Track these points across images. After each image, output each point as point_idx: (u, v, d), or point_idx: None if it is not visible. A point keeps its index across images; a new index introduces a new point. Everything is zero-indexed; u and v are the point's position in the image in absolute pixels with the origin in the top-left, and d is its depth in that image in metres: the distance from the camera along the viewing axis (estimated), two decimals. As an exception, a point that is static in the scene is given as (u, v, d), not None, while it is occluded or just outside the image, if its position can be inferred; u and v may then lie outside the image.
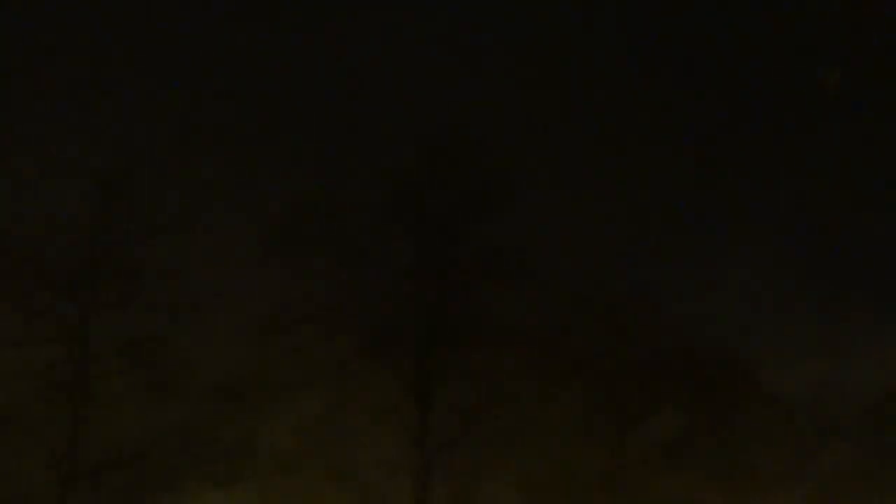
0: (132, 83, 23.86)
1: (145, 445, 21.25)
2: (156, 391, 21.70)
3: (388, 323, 22.32)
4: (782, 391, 25.58)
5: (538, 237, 22.94)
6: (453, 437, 21.93)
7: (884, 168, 26.23)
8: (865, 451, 26.45)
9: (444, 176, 22.68)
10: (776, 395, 25.52)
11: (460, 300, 22.09)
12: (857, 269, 25.94)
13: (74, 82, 24.34)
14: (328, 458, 22.10)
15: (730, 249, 26.27)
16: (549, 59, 26.26)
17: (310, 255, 22.44)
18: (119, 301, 21.73)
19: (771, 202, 27.21)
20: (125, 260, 21.84)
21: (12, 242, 20.85)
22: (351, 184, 22.86)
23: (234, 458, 21.85)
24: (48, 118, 22.70)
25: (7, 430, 20.18)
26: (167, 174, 22.74)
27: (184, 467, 21.21)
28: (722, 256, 25.77)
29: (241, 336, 22.34)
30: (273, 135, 23.89)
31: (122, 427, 21.74)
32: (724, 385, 24.69)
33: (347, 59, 24.96)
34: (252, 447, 22.13)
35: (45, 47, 23.57)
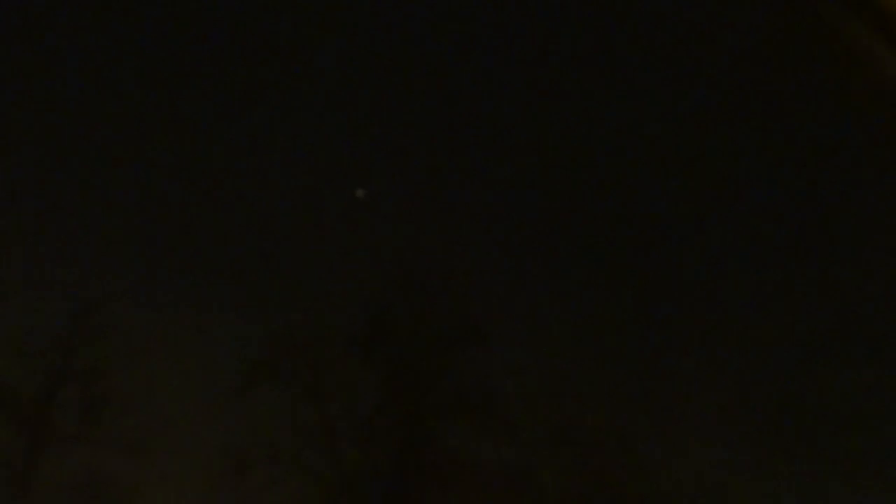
0: (112, 217, 24.24)
1: None
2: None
3: (356, 463, 21.62)
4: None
5: (511, 375, 22.81)
6: None
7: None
8: None
9: (415, 312, 22.83)
10: None
11: (431, 439, 21.57)
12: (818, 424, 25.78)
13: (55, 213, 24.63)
14: None
15: (701, 395, 26.24)
16: (522, 195, 27.14)
17: (277, 392, 22.07)
18: (75, 435, 20.94)
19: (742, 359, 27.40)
20: (89, 393, 21.30)
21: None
22: (319, 321, 22.84)
23: None
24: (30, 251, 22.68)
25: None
26: (142, 305, 22.65)
27: None
28: (694, 401, 25.67)
29: (199, 479, 21.38)
30: (243, 270, 24.11)
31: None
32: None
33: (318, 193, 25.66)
34: None
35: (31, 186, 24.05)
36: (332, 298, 22.94)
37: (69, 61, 25.84)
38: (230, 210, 24.74)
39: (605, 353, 24.66)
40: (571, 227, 27.58)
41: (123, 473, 20.66)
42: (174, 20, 26.12)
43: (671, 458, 24.20)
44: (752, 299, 27.39)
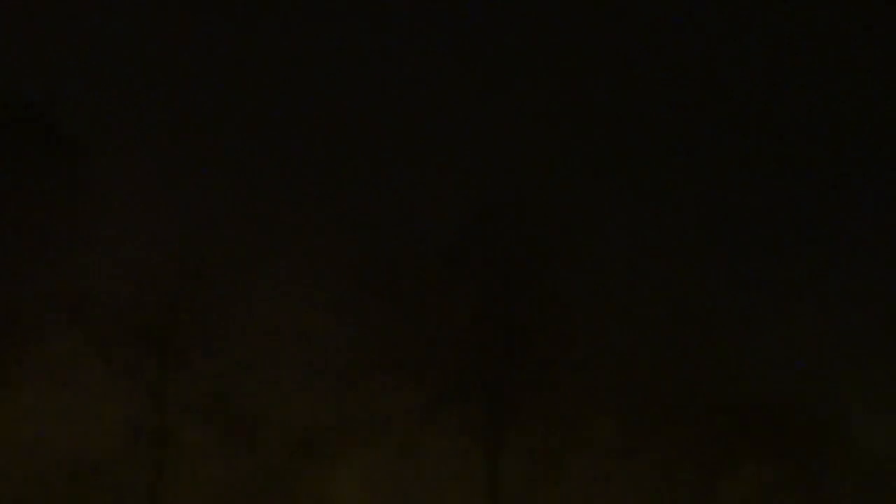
0: (209, 152, 25.20)
1: (224, 495, 21.57)
2: (232, 443, 22.18)
3: (456, 373, 22.58)
4: (869, 446, 24.60)
5: (609, 287, 23.20)
6: (529, 483, 21.78)
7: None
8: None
9: (507, 226, 23.26)
10: (863, 450, 24.50)
11: (532, 344, 22.29)
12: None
13: (156, 155, 25.75)
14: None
15: (813, 301, 26.08)
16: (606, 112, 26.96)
17: (379, 309, 23.05)
18: (198, 357, 22.50)
19: (851, 253, 27.01)
20: (205, 318, 22.72)
21: (99, 302, 21.80)
22: (417, 238, 23.52)
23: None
24: (133, 188, 23.97)
25: (94, 479, 20.74)
26: (244, 238, 23.71)
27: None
28: (805, 308, 25.52)
29: (313, 389, 22.80)
30: (337, 189, 24.87)
31: (200, 477, 22.17)
32: (809, 439, 23.95)
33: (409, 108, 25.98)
34: (324, 497, 22.27)
35: (133, 122, 25.11)
36: (426, 219, 23.56)
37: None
38: (327, 134, 25.38)
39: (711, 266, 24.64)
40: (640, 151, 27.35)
41: (247, 389, 22.17)
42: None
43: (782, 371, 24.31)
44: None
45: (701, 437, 24.20)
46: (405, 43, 27.70)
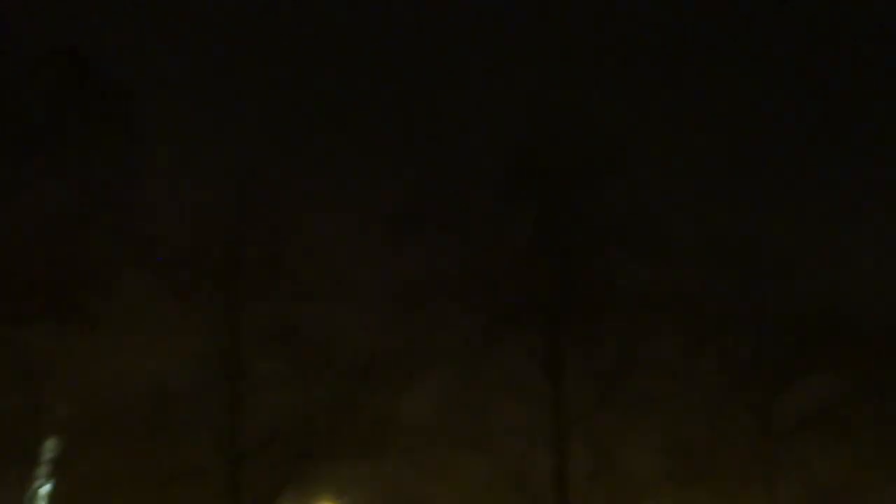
0: (259, 85, 25.39)
1: (298, 422, 22.60)
2: (302, 371, 23.08)
3: (515, 296, 22.83)
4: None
5: (665, 202, 22.86)
6: (591, 404, 22.20)
7: None
8: None
9: (561, 144, 22.98)
10: None
11: (588, 267, 22.30)
12: None
13: (205, 87, 26.13)
14: (465, 429, 22.82)
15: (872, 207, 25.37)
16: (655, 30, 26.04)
17: (435, 234, 23.29)
18: (264, 289, 23.27)
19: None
20: (268, 251, 23.39)
21: (166, 242, 22.54)
22: (469, 160, 23.47)
23: (378, 431, 22.90)
24: (188, 119, 24.44)
25: (176, 409, 21.90)
26: (297, 166, 24.08)
27: (334, 441, 22.42)
28: (867, 214, 24.86)
29: (376, 316, 23.38)
30: (389, 119, 24.88)
31: (275, 406, 23.23)
32: (879, 350, 23.43)
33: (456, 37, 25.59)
34: (393, 420, 23.13)
35: (181, 52, 25.32)
36: (481, 145, 23.45)
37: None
38: (377, 66, 25.28)
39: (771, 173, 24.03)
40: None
41: (313, 319, 22.90)
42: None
43: (824, 266, 23.77)
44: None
45: (761, 352, 24.12)
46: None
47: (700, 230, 23.48)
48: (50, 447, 32.51)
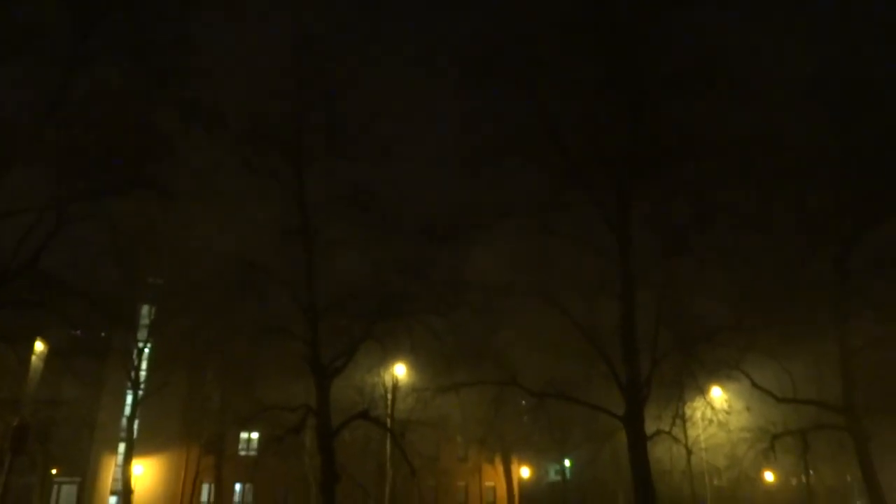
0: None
1: (371, 281, 23.49)
2: (370, 235, 23.70)
3: (582, 149, 22.29)
4: None
5: (737, 36, 21.30)
6: (660, 257, 22.06)
7: None
8: None
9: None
10: None
11: (659, 115, 21.43)
12: None
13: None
14: (535, 283, 23.19)
15: None
16: None
17: (499, 90, 22.65)
18: (331, 157, 23.53)
19: None
20: (331, 118, 23.43)
21: (231, 114, 22.73)
22: (532, 12, 22.29)
23: (448, 288, 23.60)
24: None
25: (254, 277, 23.02)
26: (358, 33, 23.54)
27: (405, 299, 23.28)
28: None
29: (440, 176, 23.45)
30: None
31: (347, 269, 24.16)
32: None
33: None
34: (462, 277, 23.73)
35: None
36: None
37: None
38: None
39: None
40: None
41: (379, 182, 23.18)
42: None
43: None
44: None
45: (839, 199, 23.21)
46: None
47: (779, 72, 22.05)
48: (146, 313, 35.28)
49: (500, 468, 45.95)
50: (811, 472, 35.73)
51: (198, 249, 24.90)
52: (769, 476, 38.38)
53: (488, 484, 47.69)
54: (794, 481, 40.73)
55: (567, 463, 44.43)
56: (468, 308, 24.00)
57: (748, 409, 26.89)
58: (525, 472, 47.92)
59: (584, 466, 42.29)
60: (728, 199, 21.65)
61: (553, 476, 50.49)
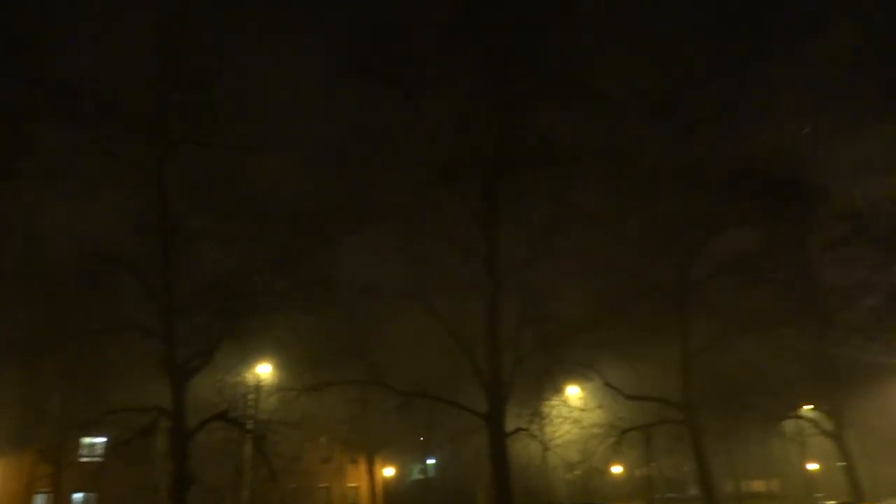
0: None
1: (235, 277, 22.57)
2: (234, 225, 22.78)
3: (454, 151, 22.76)
4: (853, 208, 25.94)
5: (601, 54, 22.65)
6: (523, 258, 22.96)
7: None
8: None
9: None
10: (847, 212, 25.84)
11: (526, 121, 22.30)
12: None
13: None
14: (405, 282, 23.34)
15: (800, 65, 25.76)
16: None
17: (374, 89, 22.63)
18: (195, 145, 22.34)
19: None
20: (197, 104, 22.24)
21: (88, 94, 21.10)
22: (409, 12, 22.47)
23: (317, 286, 23.18)
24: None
25: (107, 266, 21.47)
26: (228, 17, 22.50)
27: (271, 295, 22.60)
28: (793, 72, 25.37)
29: (312, 168, 23.02)
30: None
31: (210, 261, 23.06)
32: (797, 202, 24.90)
33: None
34: (331, 275, 23.40)
35: None
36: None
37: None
38: None
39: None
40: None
41: (246, 175, 22.31)
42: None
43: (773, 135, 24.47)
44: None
45: (687, 208, 25.25)
46: None
47: (636, 86, 23.64)
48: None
49: (365, 468, 45.78)
50: (653, 463, 38.61)
51: (43, 236, 22.83)
52: (617, 469, 40.97)
53: (352, 485, 47.33)
54: (637, 473, 43.73)
55: (432, 461, 45.04)
56: (337, 306, 23.69)
57: (600, 406, 28.55)
58: (390, 471, 48.03)
59: (447, 464, 43.07)
60: (587, 204, 22.90)
61: (417, 475, 50.98)
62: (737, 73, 23.32)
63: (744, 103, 23.53)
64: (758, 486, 51.32)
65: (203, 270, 22.49)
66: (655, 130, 23.41)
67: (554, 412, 28.15)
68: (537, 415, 26.42)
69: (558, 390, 27.32)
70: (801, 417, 32.42)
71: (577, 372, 26.91)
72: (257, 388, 30.13)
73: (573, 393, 31.10)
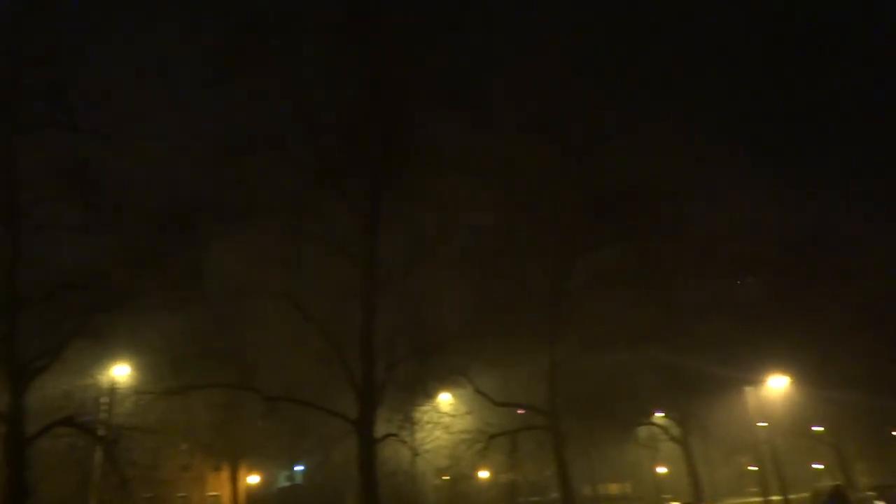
0: None
1: (91, 270, 20.95)
2: (96, 217, 21.15)
3: (338, 150, 22.38)
4: (708, 228, 28.75)
5: (495, 64, 23.11)
6: (404, 266, 22.92)
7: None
8: (780, 285, 30.48)
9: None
10: (701, 232, 28.56)
11: (414, 128, 22.31)
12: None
13: None
14: (280, 284, 22.63)
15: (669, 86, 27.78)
16: None
17: (255, 81, 21.82)
18: (52, 127, 20.54)
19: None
20: (52, 82, 20.44)
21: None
22: (298, 4, 21.83)
23: (184, 284, 21.98)
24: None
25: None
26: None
27: (136, 291, 21.19)
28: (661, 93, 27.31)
29: (187, 162, 21.83)
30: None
31: (64, 252, 21.27)
32: (660, 221, 26.93)
33: None
34: (201, 273, 22.28)
35: None
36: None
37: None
38: None
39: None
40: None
41: (109, 162, 20.78)
42: None
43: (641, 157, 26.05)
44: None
45: (566, 221, 26.52)
46: None
47: (522, 107, 24.37)
48: None
49: (227, 476, 43.89)
50: (518, 468, 39.69)
51: None
52: (484, 474, 41.83)
53: (213, 493, 45.22)
54: (503, 477, 44.90)
55: (300, 468, 43.90)
56: (206, 306, 22.57)
57: (470, 412, 29.02)
58: (254, 479, 46.33)
59: (316, 470, 42.12)
60: (472, 215, 23.31)
61: (283, 482, 49.54)
62: (616, 106, 24.68)
63: (619, 135, 24.97)
64: (613, 488, 54.28)
65: (57, 263, 20.67)
66: (541, 150, 24.24)
67: (425, 418, 28.30)
68: (408, 420, 26.43)
69: (430, 396, 27.47)
70: (653, 424, 34.64)
71: (450, 379, 27.21)
72: (112, 391, 28.13)
73: (444, 399, 31.42)
